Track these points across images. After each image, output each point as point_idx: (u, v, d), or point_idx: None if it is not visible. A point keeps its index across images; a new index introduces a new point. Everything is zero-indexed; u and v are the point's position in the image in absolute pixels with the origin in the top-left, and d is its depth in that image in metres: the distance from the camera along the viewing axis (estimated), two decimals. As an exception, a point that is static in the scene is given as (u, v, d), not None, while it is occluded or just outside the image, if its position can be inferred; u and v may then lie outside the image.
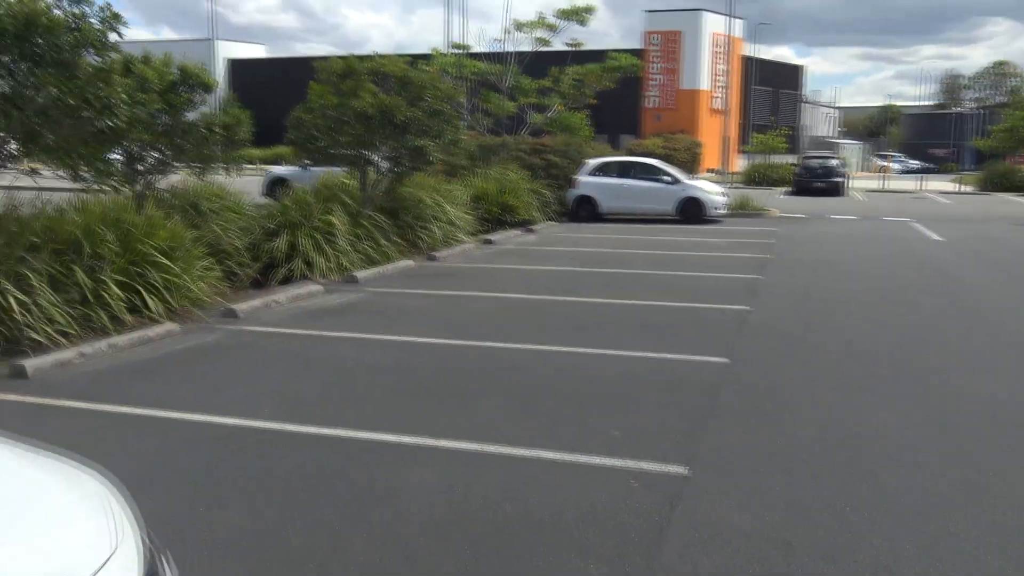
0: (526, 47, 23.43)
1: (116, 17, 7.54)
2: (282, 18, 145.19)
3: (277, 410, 5.79)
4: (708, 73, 53.68)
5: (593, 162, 21.51)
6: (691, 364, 7.14)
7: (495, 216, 18.88)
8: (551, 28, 22.96)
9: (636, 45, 53.12)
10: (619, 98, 51.07)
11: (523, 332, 8.40)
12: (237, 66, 65.90)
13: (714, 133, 50.09)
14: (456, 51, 24.71)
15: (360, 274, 11.81)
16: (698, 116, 52.69)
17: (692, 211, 20.60)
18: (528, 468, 4.79)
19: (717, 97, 53.25)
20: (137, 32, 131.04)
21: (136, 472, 4.56)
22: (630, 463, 4.85)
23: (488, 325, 8.82)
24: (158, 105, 9.18)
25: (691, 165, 47.69)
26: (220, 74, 64.21)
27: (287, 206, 12.52)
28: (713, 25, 52.63)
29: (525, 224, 19.18)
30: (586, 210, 21.10)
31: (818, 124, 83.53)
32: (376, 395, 6.25)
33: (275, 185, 22.45)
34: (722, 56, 51.73)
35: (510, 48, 23.74)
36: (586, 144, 23.94)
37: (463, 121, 24.77)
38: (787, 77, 67.20)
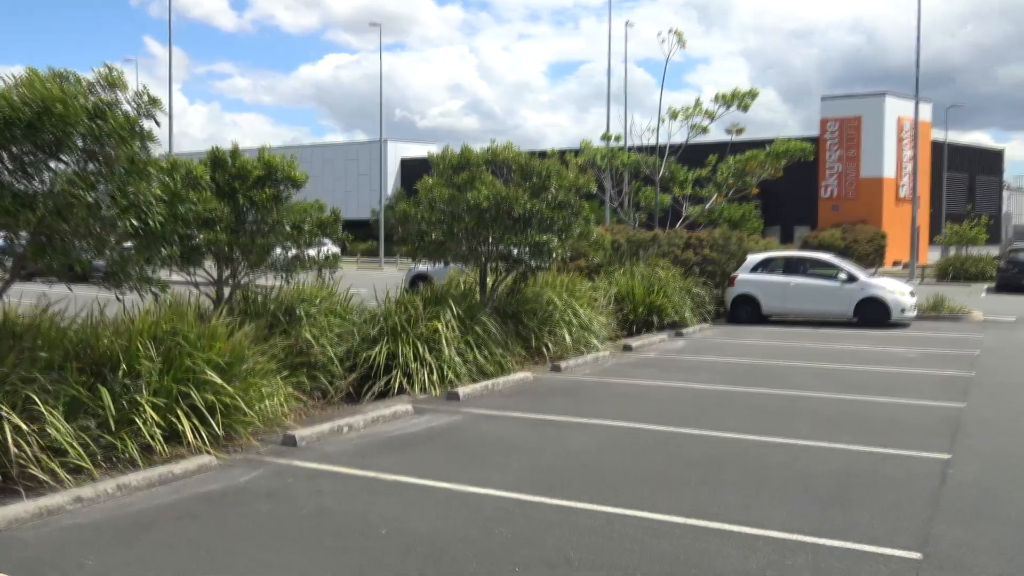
0: (681, 137, 21.70)
1: (154, 102, 6.52)
2: (465, 121, 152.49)
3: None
4: (893, 160, 49.67)
5: (755, 257, 19.19)
6: (866, 560, 4.89)
7: (641, 318, 16.95)
8: (709, 115, 21.16)
9: (813, 133, 50.17)
10: (792, 188, 48.25)
11: (634, 488, 6.39)
12: (408, 165, 68.40)
13: (901, 223, 45.84)
14: (608, 143, 23.26)
15: (464, 390, 10.21)
16: (882, 205, 48.60)
17: (873, 314, 17.73)
18: None
19: (904, 185, 49.05)
20: (334, 137, 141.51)
21: None
22: None
23: (591, 473, 6.88)
24: (214, 204, 8.13)
25: (874, 258, 43.73)
26: (392, 172, 67.04)
27: (391, 310, 11.24)
28: (897, 109, 48.90)
29: (675, 327, 17.10)
30: (746, 312, 18.70)
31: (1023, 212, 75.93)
32: (393, 594, 4.48)
33: (417, 281, 21.69)
34: (908, 141, 47.78)
35: (664, 138, 22.09)
36: (749, 237, 21.67)
37: (617, 214, 23.21)
38: (985, 162, 61.48)
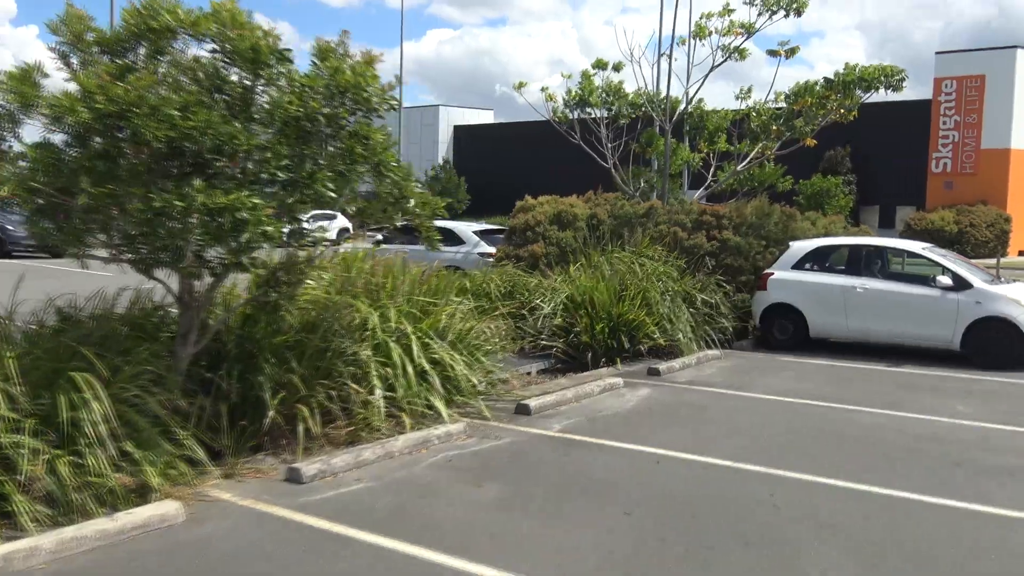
0: (706, 61, 14.57)
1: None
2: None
3: None
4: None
5: (801, 246, 12.16)
6: None
7: (603, 342, 10.36)
8: (746, 29, 13.97)
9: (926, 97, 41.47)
10: (897, 160, 39.88)
11: None
12: (461, 131, 62.74)
13: (1032, 204, 36.98)
14: (605, 72, 16.10)
15: None
16: (1007, 182, 39.61)
17: (996, 345, 10.52)
18: None
19: (1037, 157, 39.86)
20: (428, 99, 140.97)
21: None
22: None
23: None
24: None
25: (995, 246, 35.21)
26: (444, 140, 61.56)
27: None
28: (1031, 64, 39.67)
29: (661, 356, 10.52)
30: (784, 331, 11.77)
31: None
32: None
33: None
34: (1045, 104, 38.57)
35: (683, 64, 15.00)
36: (804, 216, 14.49)
37: (619, 177, 15.88)
38: None
